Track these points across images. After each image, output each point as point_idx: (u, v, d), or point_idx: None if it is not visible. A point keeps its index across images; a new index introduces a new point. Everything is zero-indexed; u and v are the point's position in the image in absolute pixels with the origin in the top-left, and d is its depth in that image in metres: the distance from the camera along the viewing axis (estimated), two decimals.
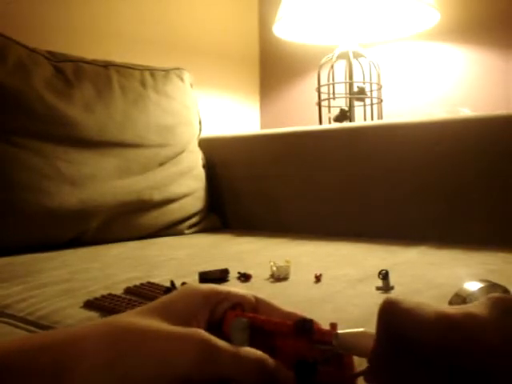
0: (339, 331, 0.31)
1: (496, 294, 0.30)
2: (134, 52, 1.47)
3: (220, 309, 0.34)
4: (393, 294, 0.60)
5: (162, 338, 0.29)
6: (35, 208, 0.99)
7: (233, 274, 0.71)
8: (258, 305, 0.35)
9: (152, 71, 1.29)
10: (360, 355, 0.30)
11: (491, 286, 0.45)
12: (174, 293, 0.35)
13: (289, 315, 0.34)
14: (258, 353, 0.30)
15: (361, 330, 0.30)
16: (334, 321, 0.32)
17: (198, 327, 0.32)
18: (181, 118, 1.29)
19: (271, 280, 0.70)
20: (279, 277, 0.70)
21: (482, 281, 0.45)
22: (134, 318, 0.31)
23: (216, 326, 0.33)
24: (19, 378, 0.27)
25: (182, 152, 1.27)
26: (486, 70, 1.51)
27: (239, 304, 0.34)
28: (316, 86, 1.53)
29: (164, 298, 0.34)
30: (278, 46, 1.85)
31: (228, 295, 0.34)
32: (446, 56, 1.57)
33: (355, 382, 0.31)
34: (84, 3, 1.41)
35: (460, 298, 0.44)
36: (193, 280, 0.69)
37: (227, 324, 0.33)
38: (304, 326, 0.31)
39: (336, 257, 0.87)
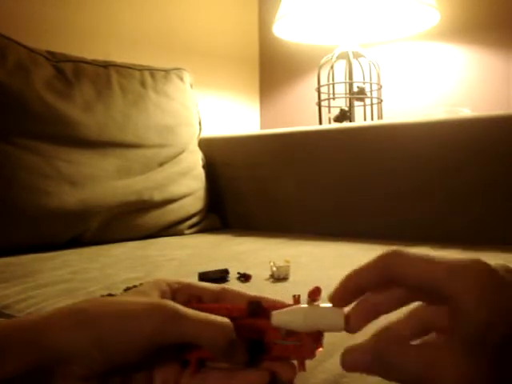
0: (274, 311, 0.31)
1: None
2: (134, 52, 1.47)
3: (179, 297, 0.35)
4: None
5: (128, 304, 0.31)
6: (35, 208, 0.99)
7: (233, 274, 0.71)
8: (223, 294, 0.36)
9: (152, 71, 1.29)
10: (297, 330, 0.31)
11: None
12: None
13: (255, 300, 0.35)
14: (224, 318, 0.31)
15: (295, 306, 0.31)
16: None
17: None
18: (181, 118, 1.29)
19: (271, 280, 0.70)
20: (279, 277, 0.70)
21: None
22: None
23: None
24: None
25: (182, 152, 1.27)
26: (486, 70, 1.51)
27: (196, 297, 0.35)
28: (316, 86, 1.53)
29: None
30: (277, 46, 1.85)
31: (189, 286, 0.36)
32: (446, 56, 1.57)
33: (315, 354, 0.32)
34: (84, 3, 1.41)
35: None
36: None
37: None
38: (255, 309, 0.33)
39: (336, 257, 0.87)
